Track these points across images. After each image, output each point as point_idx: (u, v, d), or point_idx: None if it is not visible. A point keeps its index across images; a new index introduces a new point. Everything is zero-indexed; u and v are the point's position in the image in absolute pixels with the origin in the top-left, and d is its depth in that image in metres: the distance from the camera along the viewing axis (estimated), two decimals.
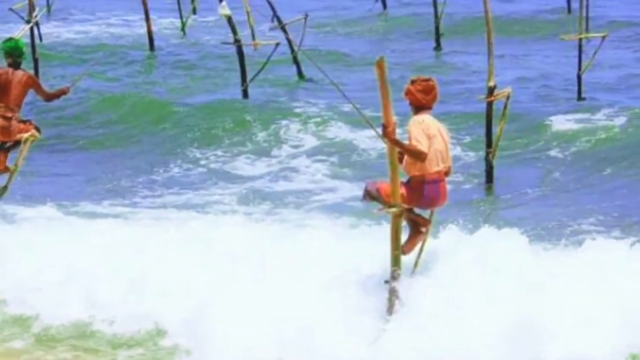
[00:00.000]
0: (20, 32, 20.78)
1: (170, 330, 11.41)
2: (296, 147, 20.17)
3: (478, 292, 10.31)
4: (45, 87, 16.53)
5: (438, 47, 31.01)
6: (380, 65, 10.04)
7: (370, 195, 10.77)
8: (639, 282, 10.14)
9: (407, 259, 10.82)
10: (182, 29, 34.59)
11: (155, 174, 18.44)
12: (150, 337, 11.50)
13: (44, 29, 32.21)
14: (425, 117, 10.60)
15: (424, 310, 10.33)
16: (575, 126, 19.97)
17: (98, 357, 11.37)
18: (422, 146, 10.27)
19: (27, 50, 17.98)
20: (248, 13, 26.29)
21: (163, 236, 13.22)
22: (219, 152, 19.87)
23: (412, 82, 10.80)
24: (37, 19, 26.82)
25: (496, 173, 16.71)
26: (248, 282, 11.44)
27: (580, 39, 22.65)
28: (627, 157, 17.83)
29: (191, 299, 11.39)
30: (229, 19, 23.35)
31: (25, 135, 14.93)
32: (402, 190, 10.40)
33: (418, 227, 10.86)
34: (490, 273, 10.52)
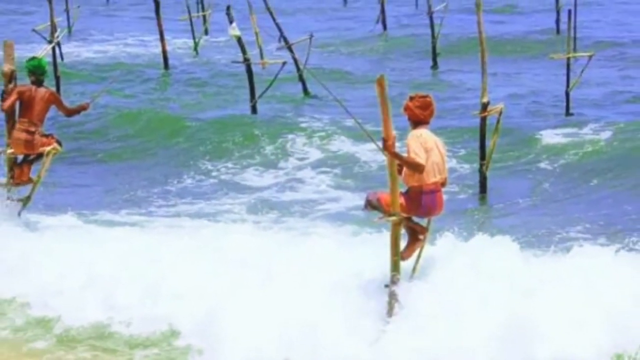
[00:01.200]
0: (42, 51, 20.74)
1: (184, 332, 11.41)
2: (302, 159, 20.21)
3: (472, 296, 10.31)
4: (66, 103, 16.53)
5: (435, 65, 31.07)
6: (380, 82, 10.05)
7: (371, 205, 10.78)
8: (623, 287, 10.16)
9: (406, 265, 10.82)
10: (195, 49, 34.63)
11: (169, 185, 18.44)
12: (164, 338, 11.50)
13: (65, 48, 32.25)
14: (423, 132, 10.60)
15: (421, 312, 10.33)
16: (564, 140, 20.05)
17: (116, 357, 11.37)
18: (420, 159, 10.27)
19: (49, 68, 18.11)
20: (257, 34, 26.40)
21: (177, 243, 13.22)
22: (229, 164, 19.89)
23: (411, 98, 10.81)
24: (59, 39, 26.93)
25: (489, 184, 16.74)
26: (256, 286, 11.44)
27: (569, 58, 22.75)
28: (612, 169, 17.89)
29: (203, 302, 11.39)
30: (239, 40, 23.41)
31: (48, 148, 14.94)
32: (401, 200, 10.41)
33: (416, 235, 10.86)
34: (483, 278, 10.52)
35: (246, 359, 10.55)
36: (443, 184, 10.80)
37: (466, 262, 10.84)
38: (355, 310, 10.68)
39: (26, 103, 14.90)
